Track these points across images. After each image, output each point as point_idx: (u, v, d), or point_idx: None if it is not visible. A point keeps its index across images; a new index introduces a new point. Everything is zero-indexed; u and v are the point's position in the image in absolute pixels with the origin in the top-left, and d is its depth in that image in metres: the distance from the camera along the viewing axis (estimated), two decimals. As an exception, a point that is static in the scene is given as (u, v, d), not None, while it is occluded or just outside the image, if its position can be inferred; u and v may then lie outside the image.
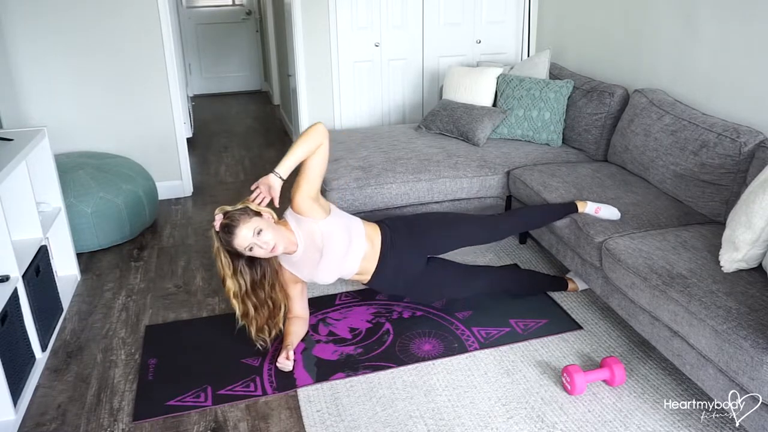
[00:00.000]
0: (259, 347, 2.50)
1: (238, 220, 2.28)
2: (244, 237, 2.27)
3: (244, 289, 2.42)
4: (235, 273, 2.40)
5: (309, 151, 2.37)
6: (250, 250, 2.30)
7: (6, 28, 3.62)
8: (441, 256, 2.77)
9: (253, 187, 2.41)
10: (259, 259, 2.43)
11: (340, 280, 3.09)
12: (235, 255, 2.38)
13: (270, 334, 2.52)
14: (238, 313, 2.42)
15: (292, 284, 2.58)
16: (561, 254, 2.91)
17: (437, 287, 2.71)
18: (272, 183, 2.36)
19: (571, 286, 2.94)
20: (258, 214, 2.35)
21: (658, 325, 2.24)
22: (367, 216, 3.23)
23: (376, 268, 2.57)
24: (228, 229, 2.28)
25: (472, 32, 4.50)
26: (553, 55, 4.16)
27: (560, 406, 2.21)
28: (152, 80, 3.98)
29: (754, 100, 2.72)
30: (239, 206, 2.35)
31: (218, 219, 2.32)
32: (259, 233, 2.27)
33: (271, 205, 2.43)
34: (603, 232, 2.58)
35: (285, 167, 2.36)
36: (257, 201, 2.40)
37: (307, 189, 2.40)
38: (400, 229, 2.64)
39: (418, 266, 2.64)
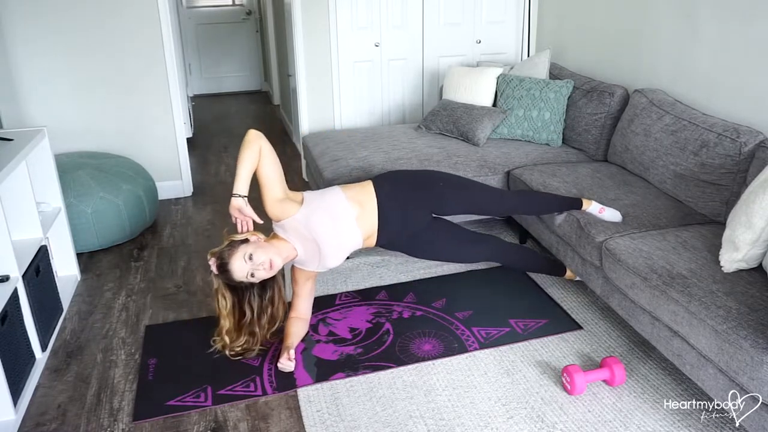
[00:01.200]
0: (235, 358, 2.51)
1: (228, 255, 2.32)
2: (240, 268, 2.31)
3: (248, 318, 2.47)
4: (242, 304, 2.46)
5: (253, 160, 2.37)
6: (252, 276, 2.33)
7: (6, 28, 3.63)
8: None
9: (232, 219, 2.44)
10: (268, 281, 2.46)
11: (338, 281, 3.09)
12: (244, 287, 2.43)
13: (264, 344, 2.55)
14: (227, 350, 2.48)
15: (303, 281, 2.59)
16: (561, 254, 2.91)
17: (442, 244, 2.72)
18: (237, 205, 2.38)
19: (569, 273, 2.95)
20: (245, 241, 2.38)
21: (658, 325, 2.24)
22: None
23: (379, 225, 2.57)
24: (223, 267, 2.33)
25: (472, 32, 4.50)
26: (553, 55, 4.16)
27: (560, 406, 2.21)
28: (152, 80, 3.98)
29: (754, 100, 2.72)
30: (225, 244, 2.39)
31: (212, 263, 2.36)
32: (250, 258, 2.31)
33: (257, 225, 2.45)
34: (603, 232, 2.58)
35: (240, 186, 2.37)
36: (244, 228, 2.44)
37: (271, 194, 2.41)
38: (404, 181, 2.67)
39: (422, 221, 2.65)
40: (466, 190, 2.75)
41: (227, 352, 2.49)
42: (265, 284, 2.47)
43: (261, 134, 2.42)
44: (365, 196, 2.56)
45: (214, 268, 2.36)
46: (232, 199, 2.38)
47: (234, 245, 2.35)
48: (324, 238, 2.44)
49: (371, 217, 2.55)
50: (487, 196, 2.80)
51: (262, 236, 2.44)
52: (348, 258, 3.25)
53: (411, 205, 2.62)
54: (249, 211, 2.39)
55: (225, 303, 2.43)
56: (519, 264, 2.94)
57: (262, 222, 2.43)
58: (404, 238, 2.67)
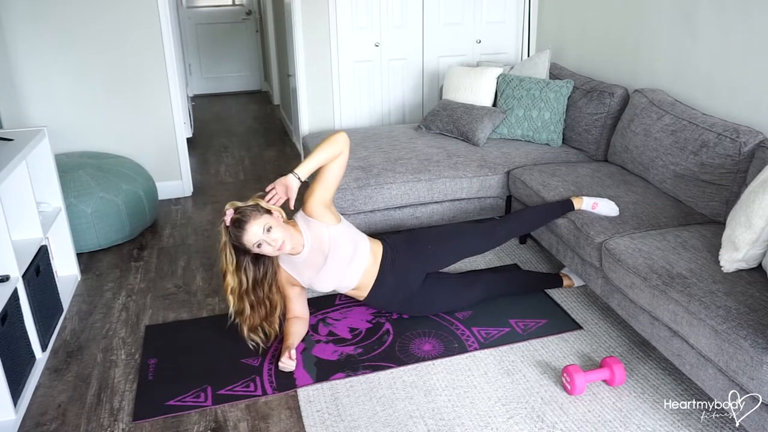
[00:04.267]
0: (252, 347, 2.50)
1: (249, 216, 2.30)
2: (255, 233, 2.29)
3: (244, 286, 2.44)
4: (238, 269, 2.42)
5: (330, 157, 2.40)
6: (259, 246, 2.32)
7: (6, 28, 3.63)
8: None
9: (268, 188, 2.43)
10: (263, 257, 2.45)
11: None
12: (241, 251, 2.40)
13: (267, 335, 2.53)
14: (232, 309, 2.45)
15: (290, 286, 2.59)
16: (561, 254, 2.91)
17: (435, 303, 2.72)
18: (290, 183, 2.38)
19: (566, 282, 2.96)
20: (268, 212, 2.37)
21: (658, 325, 2.24)
22: (367, 216, 3.24)
23: (374, 284, 2.58)
24: (239, 224, 2.30)
25: (472, 32, 4.50)
26: (553, 55, 4.16)
27: (560, 406, 2.21)
28: (152, 80, 3.98)
29: (754, 100, 2.72)
30: (250, 203, 2.38)
31: (229, 214, 2.34)
32: (269, 230, 2.30)
33: (285, 206, 2.45)
34: (603, 233, 2.58)
35: (305, 169, 2.39)
36: (273, 201, 2.42)
37: (322, 194, 2.42)
38: (399, 247, 2.66)
39: (416, 282, 2.65)
40: (455, 241, 2.74)
41: (242, 326, 2.46)
42: (258, 257, 2.45)
43: (349, 141, 2.46)
44: (377, 253, 2.59)
45: (228, 219, 2.33)
46: (290, 176, 2.38)
47: (259, 209, 2.34)
48: (336, 261, 2.45)
49: (372, 275, 2.57)
50: (478, 238, 2.78)
51: (285, 216, 2.44)
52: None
53: (406, 272, 2.63)
54: (294, 194, 2.40)
55: (232, 259, 2.39)
56: (516, 291, 2.89)
57: (293, 209, 2.43)
58: (397, 302, 2.68)
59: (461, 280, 2.77)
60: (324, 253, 2.44)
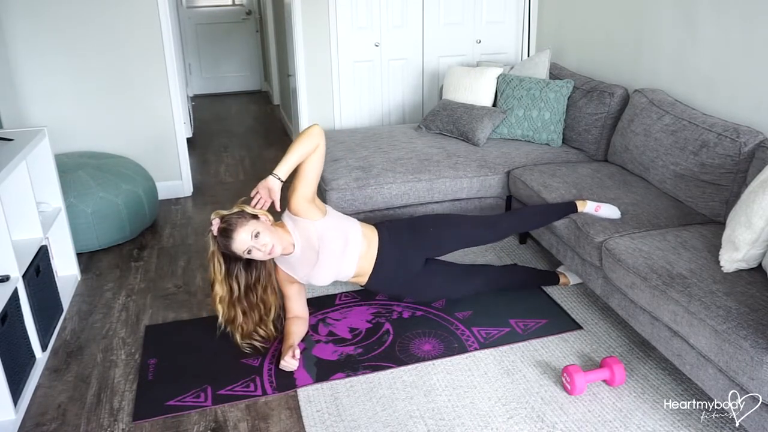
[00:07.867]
0: (246, 351, 2.50)
1: (236, 224, 2.29)
2: (243, 240, 2.28)
3: (236, 293, 2.44)
4: (229, 276, 2.42)
5: (306, 153, 2.38)
6: (248, 253, 2.31)
7: (6, 28, 3.63)
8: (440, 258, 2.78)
9: (253, 193, 2.42)
10: (256, 261, 2.44)
11: (337, 282, 3.09)
12: (232, 258, 2.39)
13: (265, 336, 2.54)
14: (221, 318, 2.45)
15: (288, 284, 2.59)
16: (561, 254, 2.91)
17: (434, 287, 2.72)
18: (272, 185, 2.37)
19: (562, 280, 2.98)
20: (255, 216, 2.36)
21: (658, 325, 2.24)
22: (367, 216, 3.23)
23: (374, 268, 2.57)
24: (226, 233, 2.29)
25: (472, 32, 4.50)
26: (553, 55, 4.16)
27: (560, 406, 2.21)
28: (152, 80, 3.98)
29: (754, 100, 2.72)
30: (235, 210, 2.36)
31: (215, 223, 2.33)
32: (257, 236, 2.29)
33: (271, 208, 2.44)
34: (603, 232, 2.58)
35: (284, 169, 2.37)
36: (258, 205, 2.41)
37: (304, 191, 2.40)
38: (400, 230, 2.65)
39: (416, 266, 2.64)
40: (458, 228, 2.74)
41: (234, 334, 2.47)
42: (250, 262, 2.44)
43: (323, 133, 2.43)
44: (372, 238, 2.58)
45: (215, 229, 2.32)
46: (270, 177, 2.36)
47: (245, 216, 2.33)
48: (328, 255, 2.44)
49: (370, 259, 2.56)
50: (480, 229, 2.78)
51: (271, 218, 2.43)
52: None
53: (407, 253, 2.62)
54: (277, 195, 2.38)
55: (220, 268, 2.39)
56: (513, 286, 2.91)
57: (279, 210, 2.42)
58: (397, 285, 2.68)
59: (462, 269, 2.78)
60: (315, 249, 2.43)
